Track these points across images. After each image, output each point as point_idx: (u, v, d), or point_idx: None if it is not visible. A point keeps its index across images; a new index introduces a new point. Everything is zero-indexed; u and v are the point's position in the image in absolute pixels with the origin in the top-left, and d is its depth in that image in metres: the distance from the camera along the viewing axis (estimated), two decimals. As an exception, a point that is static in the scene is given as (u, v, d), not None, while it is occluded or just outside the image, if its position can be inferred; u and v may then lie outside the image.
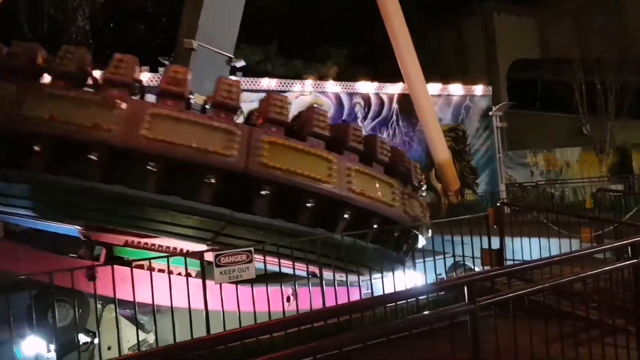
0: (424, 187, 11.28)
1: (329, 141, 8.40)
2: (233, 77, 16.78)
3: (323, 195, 7.94)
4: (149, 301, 6.59)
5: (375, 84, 23.38)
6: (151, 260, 6.99)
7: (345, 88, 22.94)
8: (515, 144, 27.14)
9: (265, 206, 7.74)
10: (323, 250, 7.52)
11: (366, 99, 23.38)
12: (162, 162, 7.25)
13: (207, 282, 6.70)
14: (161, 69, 18.59)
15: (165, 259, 7.31)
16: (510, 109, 25.59)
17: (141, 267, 7.15)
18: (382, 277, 7.87)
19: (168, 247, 8.57)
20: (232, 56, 10.53)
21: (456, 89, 24.13)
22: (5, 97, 7.23)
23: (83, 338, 8.27)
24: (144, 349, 8.17)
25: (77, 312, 7.52)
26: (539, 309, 4.94)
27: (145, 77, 17.82)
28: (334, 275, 8.03)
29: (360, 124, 22.79)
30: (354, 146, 8.62)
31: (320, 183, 7.86)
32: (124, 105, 7.26)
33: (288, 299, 7.51)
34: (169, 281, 6.62)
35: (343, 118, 22.38)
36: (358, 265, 8.06)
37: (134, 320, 7.39)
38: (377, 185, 8.73)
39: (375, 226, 8.57)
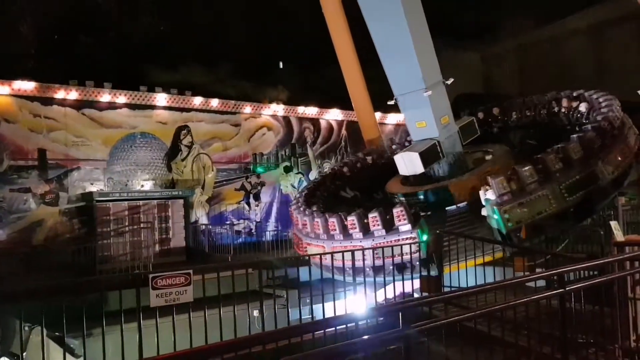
0: None
1: None
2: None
3: None
4: None
5: (324, 110, 23.66)
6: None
7: (294, 113, 23.07)
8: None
9: None
10: None
11: (316, 124, 23.63)
12: None
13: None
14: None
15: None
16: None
17: None
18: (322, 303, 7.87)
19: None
20: (442, 79, 13.95)
21: (399, 118, 24.65)
22: None
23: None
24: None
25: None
26: (471, 335, 5.05)
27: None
28: None
29: (309, 148, 22.99)
30: None
31: None
32: None
33: None
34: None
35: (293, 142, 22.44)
36: None
37: (62, 343, 7.10)
38: None
39: None
